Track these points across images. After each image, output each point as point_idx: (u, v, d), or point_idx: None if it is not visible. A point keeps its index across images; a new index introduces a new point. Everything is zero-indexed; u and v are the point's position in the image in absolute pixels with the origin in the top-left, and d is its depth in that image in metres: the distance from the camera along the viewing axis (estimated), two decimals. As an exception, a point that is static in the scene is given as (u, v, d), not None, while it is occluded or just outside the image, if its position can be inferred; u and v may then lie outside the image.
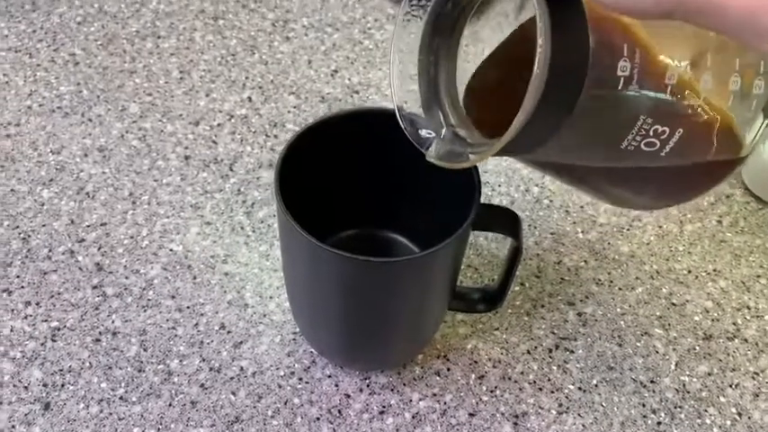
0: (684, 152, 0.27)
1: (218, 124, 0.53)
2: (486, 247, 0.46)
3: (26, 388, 0.39)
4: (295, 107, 0.54)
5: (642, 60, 0.25)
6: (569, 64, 0.24)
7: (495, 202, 0.49)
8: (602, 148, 0.27)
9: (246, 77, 0.56)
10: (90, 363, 0.40)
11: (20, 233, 0.45)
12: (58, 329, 0.41)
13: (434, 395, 0.40)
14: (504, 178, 0.50)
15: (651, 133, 0.26)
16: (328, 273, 0.32)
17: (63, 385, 0.39)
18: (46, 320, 0.41)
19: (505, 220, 0.34)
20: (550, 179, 0.51)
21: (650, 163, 0.27)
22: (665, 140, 0.26)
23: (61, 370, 0.39)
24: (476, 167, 0.33)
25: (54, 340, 0.41)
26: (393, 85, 0.31)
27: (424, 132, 0.30)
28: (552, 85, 0.24)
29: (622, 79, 0.24)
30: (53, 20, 0.60)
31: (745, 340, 0.43)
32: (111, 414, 0.38)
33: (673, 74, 0.25)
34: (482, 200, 0.33)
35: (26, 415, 0.38)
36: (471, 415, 0.39)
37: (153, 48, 0.58)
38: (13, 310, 0.42)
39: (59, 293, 0.43)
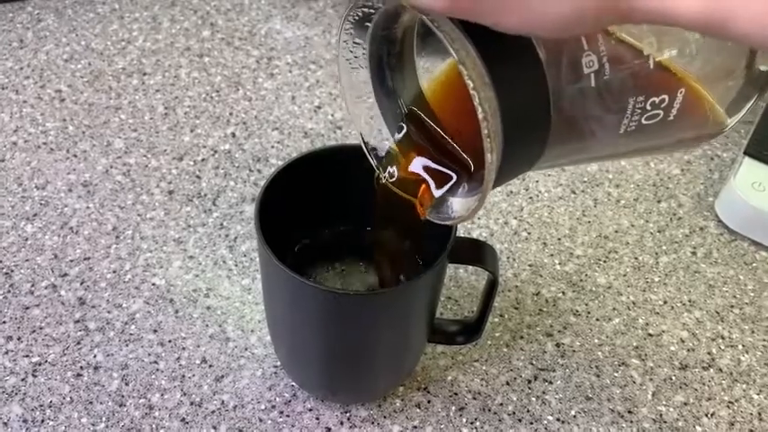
0: (694, 108, 0.24)
1: (202, 159, 0.53)
2: (465, 279, 0.47)
3: (5, 424, 0.38)
4: (278, 142, 0.55)
5: (608, 44, 0.22)
6: (524, 106, 0.22)
7: (474, 234, 0.50)
8: (599, 140, 0.25)
9: (230, 113, 0.57)
10: (71, 398, 0.40)
11: (2, 268, 0.45)
12: (40, 365, 0.41)
13: (415, 428, 0.40)
14: (482, 211, 0.51)
15: (649, 107, 0.23)
16: (307, 305, 0.32)
17: (43, 421, 0.39)
18: (27, 356, 0.41)
19: (481, 254, 0.35)
20: (528, 212, 0.52)
21: (661, 130, 0.25)
22: (669, 106, 0.24)
23: (41, 405, 0.39)
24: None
25: (35, 375, 0.41)
26: (363, 133, 0.30)
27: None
28: (512, 137, 0.22)
29: (593, 75, 0.22)
30: (40, 57, 0.61)
31: (720, 370, 0.44)
32: (90, 449, 0.38)
33: (651, 40, 0.23)
34: (461, 233, 0.34)
35: (5, 451, 0.37)
36: (451, 447, 0.39)
37: (138, 84, 0.59)
38: (-6, 346, 0.42)
39: (41, 328, 0.43)
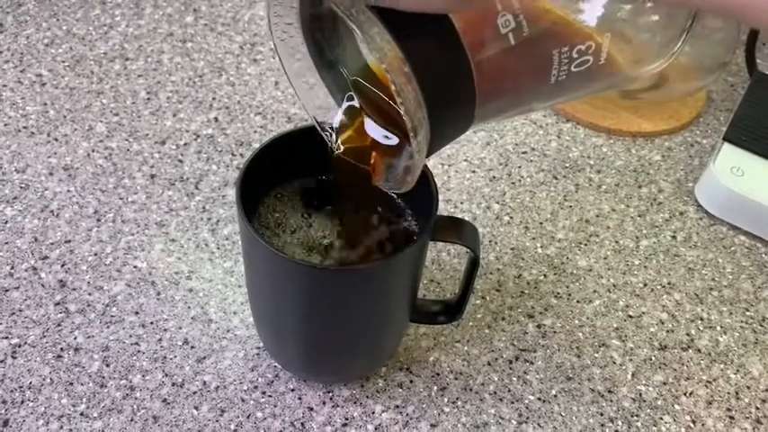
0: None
1: (185, 144, 0.53)
2: (448, 262, 0.47)
3: (-16, 405, 0.38)
4: (261, 127, 0.55)
5: (523, 2, 0.22)
6: (445, 76, 0.22)
7: (458, 218, 0.50)
8: (531, 93, 0.25)
9: (213, 98, 0.57)
10: (51, 379, 0.39)
11: (-18, 251, 0.45)
12: (19, 346, 0.41)
13: (397, 407, 0.40)
14: (465, 196, 0.52)
15: (576, 55, 0.23)
16: (288, 281, 0.32)
17: (23, 402, 0.38)
18: (6, 338, 0.41)
19: (461, 231, 0.35)
20: (511, 197, 0.52)
21: (596, 73, 0.25)
22: (597, 51, 0.24)
23: (21, 387, 0.39)
24: (434, 182, 0.34)
25: (14, 357, 0.40)
26: (309, 109, 0.30)
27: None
28: (437, 106, 0.22)
29: (510, 35, 0.22)
30: (20, 41, 0.60)
31: (699, 350, 0.44)
32: (71, 430, 0.38)
33: None
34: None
35: (-16, 432, 0.37)
36: (433, 426, 0.39)
37: (121, 69, 0.59)
38: (-28, 328, 0.41)
39: (21, 310, 0.42)
